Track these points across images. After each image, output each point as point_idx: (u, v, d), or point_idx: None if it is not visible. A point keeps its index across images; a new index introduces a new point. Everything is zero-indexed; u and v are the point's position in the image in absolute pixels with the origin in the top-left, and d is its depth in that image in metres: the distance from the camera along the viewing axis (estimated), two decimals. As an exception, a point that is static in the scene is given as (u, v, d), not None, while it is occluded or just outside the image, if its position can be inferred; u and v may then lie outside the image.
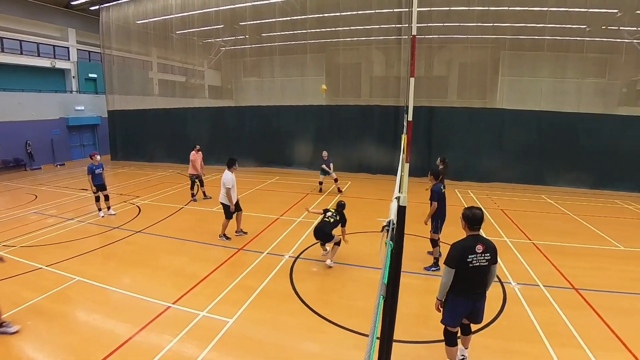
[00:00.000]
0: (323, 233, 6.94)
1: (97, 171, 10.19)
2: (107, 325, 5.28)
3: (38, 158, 20.40)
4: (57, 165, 20.98)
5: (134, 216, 10.50)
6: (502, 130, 15.66)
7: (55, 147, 21.48)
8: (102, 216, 10.35)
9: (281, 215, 10.27)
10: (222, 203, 8.45)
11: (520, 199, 13.22)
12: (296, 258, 7.49)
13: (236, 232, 8.77)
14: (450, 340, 4.24)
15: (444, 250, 7.01)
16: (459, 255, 3.88)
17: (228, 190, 8.21)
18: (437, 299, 4.16)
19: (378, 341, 1.82)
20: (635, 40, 17.31)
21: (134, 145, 21.86)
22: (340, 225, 7.12)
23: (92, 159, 10.39)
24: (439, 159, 11.21)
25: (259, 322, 5.27)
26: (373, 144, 16.31)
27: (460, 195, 13.20)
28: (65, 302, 5.91)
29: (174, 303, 5.75)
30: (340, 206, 7.25)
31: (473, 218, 3.97)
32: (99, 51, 22.98)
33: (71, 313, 5.63)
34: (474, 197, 12.67)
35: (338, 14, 18.07)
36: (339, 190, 13.23)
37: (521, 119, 15.53)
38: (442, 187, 7.17)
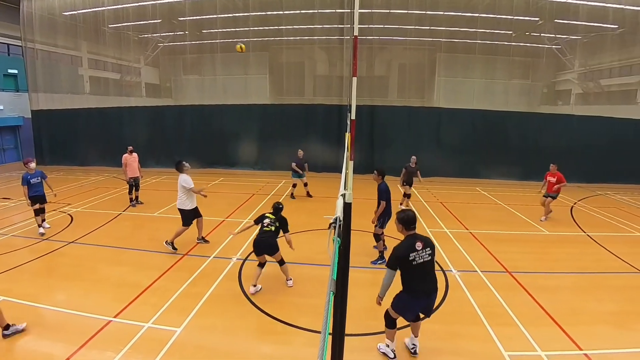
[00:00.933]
0: (267, 245, 5.97)
1: (32, 180, 8.86)
2: (40, 347, 4.79)
3: (-55, 165, 18.10)
4: (-30, 173, 18.72)
5: (65, 226, 9.65)
6: (439, 128, 16.65)
7: (-33, 152, 19.18)
8: (42, 233, 8.93)
9: (227, 217, 10.02)
10: (180, 209, 7.91)
11: (457, 192, 14.12)
12: (244, 260, 7.36)
13: (197, 239, 8.33)
14: (391, 323, 4.50)
15: (389, 243, 7.31)
16: (401, 255, 4.06)
17: (190, 191, 7.78)
18: (379, 295, 4.30)
19: (330, 337, 1.84)
20: (554, 46, 19.17)
21: (63, 148, 20.02)
22: (282, 231, 6.25)
23: (26, 166, 8.97)
24: (413, 157, 11.64)
25: (209, 328, 5.10)
26: (318, 143, 16.41)
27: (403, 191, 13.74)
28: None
29: (115, 316, 5.37)
30: (278, 209, 6.34)
31: (408, 219, 4.19)
32: (20, 44, 20.76)
33: (-7, 336, 5.04)
34: (416, 192, 13.25)
35: (281, 12, 18.00)
36: (308, 195, 12.56)
37: (456, 117, 16.61)
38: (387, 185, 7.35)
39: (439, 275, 6.83)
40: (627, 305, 6.34)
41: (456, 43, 18.43)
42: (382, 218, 7.30)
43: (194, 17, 19.03)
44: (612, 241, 9.19)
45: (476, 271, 7.15)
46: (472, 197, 13.30)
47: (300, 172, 12.15)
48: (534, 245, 8.93)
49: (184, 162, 8.02)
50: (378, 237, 7.44)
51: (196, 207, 8.05)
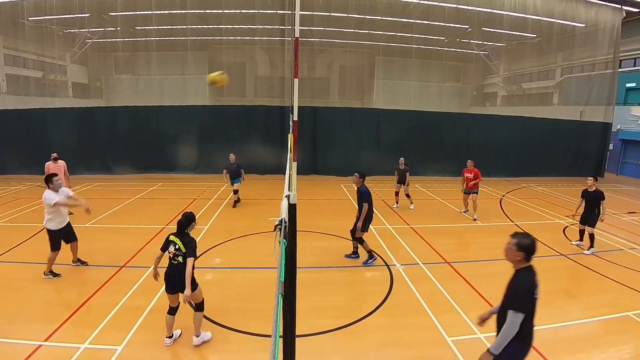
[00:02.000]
0: (179, 281, 4.45)
1: None
2: None
3: None
4: None
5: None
6: (379, 128, 17.27)
7: None
8: None
9: (167, 224, 9.54)
10: (48, 230, 6.60)
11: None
12: (189, 267, 7.06)
13: (73, 261, 7.14)
14: None
15: (340, 242, 7.42)
16: (529, 294, 3.11)
17: (56, 208, 6.48)
18: (490, 351, 3.14)
19: (281, 340, 1.83)
20: (481, 52, 20.77)
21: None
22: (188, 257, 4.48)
23: None
24: (402, 159, 11.93)
25: (153, 343, 4.81)
26: (260, 144, 16.18)
27: (346, 190, 14.07)
28: None
29: (46, 340, 4.83)
30: (182, 225, 4.65)
31: (534, 247, 3.18)
32: None
33: None
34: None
35: (221, 11, 17.54)
36: (235, 204, 11.55)
37: (394, 118, 17.34)
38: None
39: (384, 270, 7.13)
40: (551, 285, 7.09)
41: (393, 47, 19.28)
42: (365, 222, 7.12)
43: (127, 13, 17.91)
44: (537, 228, 10.15)
45: (418, 264, 7.52)
46: (412, 194, 13.92)
47: (233, 179, 11.19)
48: (469, 236, 9.62)
49: (54, 177, 6.63)
50: (361, 240, 7.26)
51: (66, 227, 6.83)
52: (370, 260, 7.37)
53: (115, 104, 19.16)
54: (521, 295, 3.11)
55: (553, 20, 18.63)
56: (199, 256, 7.18)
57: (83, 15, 17.67)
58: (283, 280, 1.67)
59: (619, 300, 6.50)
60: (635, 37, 21.63)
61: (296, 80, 2.40)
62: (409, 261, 7.58)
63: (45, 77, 19.21)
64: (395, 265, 7.40)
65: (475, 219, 10.87)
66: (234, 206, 11.51)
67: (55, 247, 6.58)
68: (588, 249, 8.67)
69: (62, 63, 19.63)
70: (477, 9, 18.08)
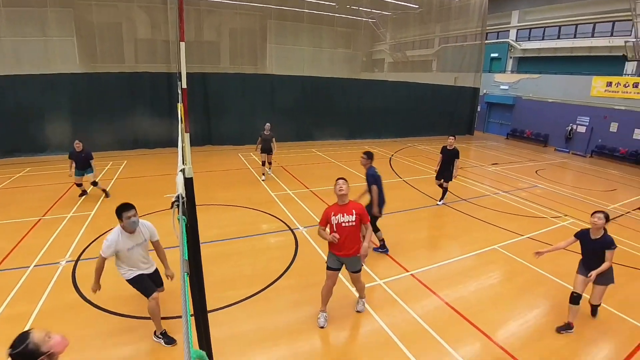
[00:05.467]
0: None
1: None
2: None
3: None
4: None
5: None
6: (273, 94, 17.05)
7: None
8: None
9: (44, 215, 8.23)
10: None
11: (295, 155, 15.01)
12: (76, 261, 6.23)
13: None
14: None
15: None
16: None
17: None
18: None
19: (193, 318, 1.78)
20: (370, 20, 21.60)
21: None
22: None
23: None
24: (267, 124, 10.79)
25: None
26: (147, 116, 14.67)
27: (244, 159, 13.85)
28: None
29: None
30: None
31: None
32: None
33: None
34: (256, 159, 13.48)
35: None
36: (105, 194, 9.45)
37: (289, 83, 17.29)
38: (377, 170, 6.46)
39: (288, 234, 7.33)
40: (434, 230, 8.22)
41: (286, 11, 18.80)
42: (379, 207, 6.43)
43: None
44: (421, 182, 11.42)
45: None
46: (309, 158, 14.34)
47: (81, 170, 9.05)
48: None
49: None
50: (376, 227, 6.55)
51: None
52: (380, 250, 6.79)
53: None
54: None
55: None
56: (87, 246, 6.48)
57: None
58: (187, 258, 1.60)
59: (488, 237, 7.80)
60: (498, 12, 24.89)
61: (182, 44, 2.19)
62: (310, 223, 7.89)
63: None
64: (298, 228, 7.65)
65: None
66: (81, 195, 9.35)
67: None
68: (440, 200, 9.63)
69: None
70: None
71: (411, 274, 6.09)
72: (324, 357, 4.30)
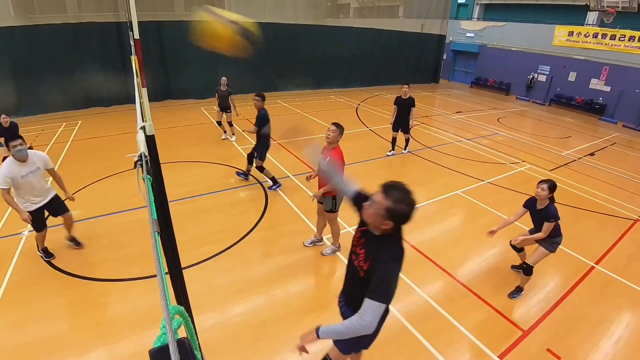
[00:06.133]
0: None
1: None
2: None
3: None
4: None
5: None
6: None
7: None
8: None
9: None
10: None
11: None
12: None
13: None
14: None
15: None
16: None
17: None
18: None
19: (168, 276, 1.79)
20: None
21: None
22: None
23: None
24: (224, 78, 9.88)
25: (21, 322, 4.10)
26: (98, 72, 13.46)
27: (207, 113, 13.32)
28: None
29: None
30: None
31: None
32: None
33: None
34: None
35: None
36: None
37: (250, 31, 16.26)
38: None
39: (258, 188, 7.34)
40: (401, 178, 8.35)
41: (241, -51, 17.30)
42: (262, 149, 7.10)
43: None
44: (388, 131, 11.51)
45: (288, 176, 7.94)
46: (275, 110, 13.98)
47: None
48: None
49: None
50: (262, 168, 7.15)
51: None
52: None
53: None
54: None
55: None
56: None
57: None
58: (156, 218, 1.57)
59: (451, 182, 8.15)
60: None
61: (128, -12, 2.00)
62: (280, 175, 7.88)
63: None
64: (267, 181, 7.63)
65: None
66: None
67: None
68: (405, 149, 9.77)
69: None
70: None
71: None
72: (299, 302, 4.51)
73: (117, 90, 13.77)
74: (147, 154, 1.70)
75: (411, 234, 5.95)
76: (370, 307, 2.09)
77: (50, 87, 12.91)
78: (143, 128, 1.79)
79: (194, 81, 15.37)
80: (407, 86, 9.04)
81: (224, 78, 9.95)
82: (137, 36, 2.02)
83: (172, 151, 9.18)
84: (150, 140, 1.75)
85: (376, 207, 2.21)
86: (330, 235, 5.37)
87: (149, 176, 1.61)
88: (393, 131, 9.54)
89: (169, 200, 2.14)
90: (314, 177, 5.15)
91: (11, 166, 4.40)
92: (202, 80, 15.31)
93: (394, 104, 9.26)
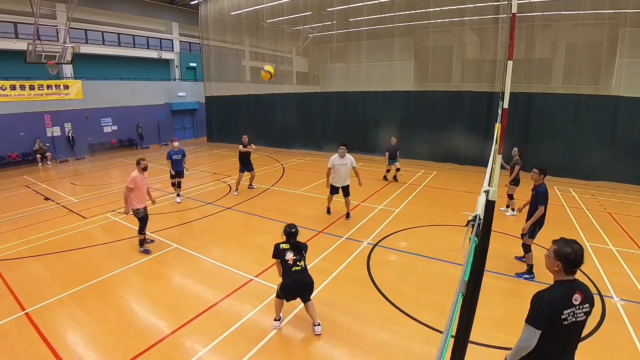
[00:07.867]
0: (305, 285, 4.73)
1: (174, 157, 10.05)
2: (197, 289, 5.94)
3: (147, 138, 23.32)
4: (162, 145, 23.58)
5: (225, 194, 11.40)
6: (616, 121, 13.18)
7: (160, 129, 24.20)
8: (179, 202, 10.35)
9: (363, 202, 10.29)
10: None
11: (634, 202, 11.19)
12: (374, 245, 7.44)
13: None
14: None
15: (537, 255, 6.36)
16: (549, 311, 2.67)
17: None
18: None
19: (452, 339, 1.75)
20: None
21: (228, 128, 23.44)
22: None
23: (171, 144, 10.27)
24: (515, 149, 9.75)
25: (332, 304, 5.39)
26: (462, 133, 15.25)
27: (560, 194, 11.65)
28: (164, 265, 6.72)
29: (256, 276, 6.18)
30: (291, 234, 4.79)
31: (575, 258, 2.60)
32: (198, 42, 25.06)
33: (168, 275, 6.41)
34: (576, 197, 11.24)
35: (429, -6, 17.12)
36: (395, 179, 12.26)
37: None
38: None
39: (596, 300, 5.72)
40: None
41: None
42: (534, 227, 6.22)
43: (342, 7, 19.68)
44: None
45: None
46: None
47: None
48: None
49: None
50: (527, 247, 6.38)
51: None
52: (525, 276, 6.28)
53: (328, 90, 21.73)
54: (537, 308, 2.74)
55: None
56: (388, 235, 7.60)
57: (306, 13, 20.47)
58: (467, 280, 1.57)
59: None
60: None
61: (510, 63, 2.13)
62: (633, 297, 5.74)
63: (277, 68, 23.23)
64: (612, 297, 5.72)
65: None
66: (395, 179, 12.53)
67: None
68: None
69: (289, 56, 23.47)
70: None
71: None
72: None
73: (473, 151, 14.95)
74: (482, 217, 1.73)
75: None
76: None
77: (421, 139, 16.13)
78: (487, 192, 1.84)
79: (552, 157, 13.70)
80: None
81: (515, 149, 9.77)
82: (506, 105, 2.12)
83: (507, 222, 8.84)
84: (490, 205, 1.77)
85: None
86: None
87: (476, 238, 1.63)
88: None
89: (486, 268, 2.07)
90: None
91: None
92: (562, 159, 13.49)
93: None
